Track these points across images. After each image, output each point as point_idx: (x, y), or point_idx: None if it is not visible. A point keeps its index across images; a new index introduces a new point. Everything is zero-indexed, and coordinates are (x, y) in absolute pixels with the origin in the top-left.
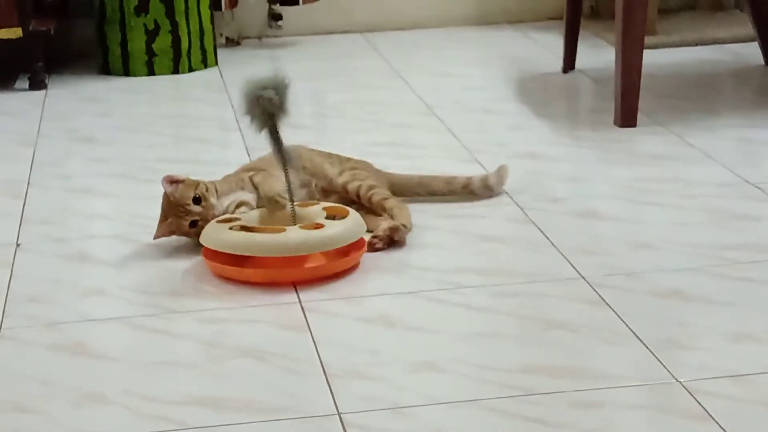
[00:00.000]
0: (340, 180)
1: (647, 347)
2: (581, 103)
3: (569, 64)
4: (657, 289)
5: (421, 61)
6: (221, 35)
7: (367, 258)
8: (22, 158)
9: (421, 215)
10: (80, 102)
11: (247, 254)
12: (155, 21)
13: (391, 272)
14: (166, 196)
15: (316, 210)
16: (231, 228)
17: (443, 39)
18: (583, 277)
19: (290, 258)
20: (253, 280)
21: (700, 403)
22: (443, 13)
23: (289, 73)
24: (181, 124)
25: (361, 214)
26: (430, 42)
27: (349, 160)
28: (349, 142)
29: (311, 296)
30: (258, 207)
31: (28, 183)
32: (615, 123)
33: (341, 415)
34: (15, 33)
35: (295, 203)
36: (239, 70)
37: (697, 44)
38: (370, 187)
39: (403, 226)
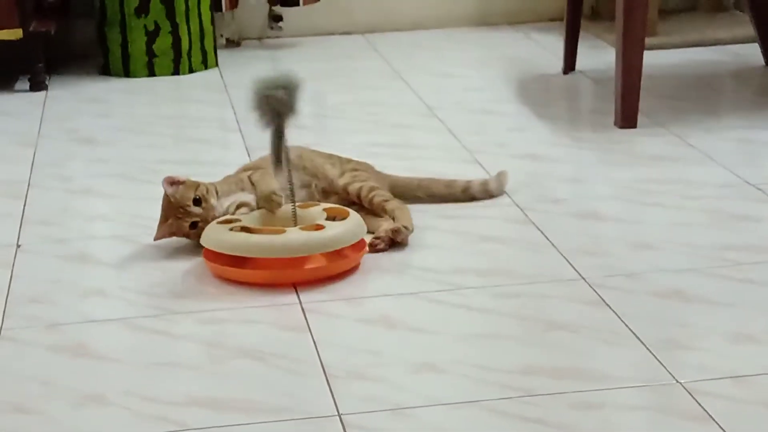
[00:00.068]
0: (341, 181)
1: (647, 348)
2: (581, 104)
3: (570, 65)
4: (657, 290)
5: (422, 61)
6: (222, 36)
7: (368, 259)
8: (22, 159)
9: (421, 216)
10: (81, 103)
11: (248, 255)
12: (155, 22)
13: (391, 273)
14: (166, 198)
15: (317, 211)
16: (231, 229)
17: (444, 40)
18: (583, 278)
19: (291, 259)
20: (254, 281)
21: (700, 404)
22: (444, 13)
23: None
24: (181, 125)
25: (361, 215)
26: (430, 43)
27: (349, 161)
28: (350, 142)
29: (311, 297)
30: (258, 208)
31: (29, 184)
32: (615, 124)
33: (341, 416)
34: (15, 34)
35: (296, 204)
36: (240, 71)
37: (697, 45)
38: (371, 189)
39: (405, 227)
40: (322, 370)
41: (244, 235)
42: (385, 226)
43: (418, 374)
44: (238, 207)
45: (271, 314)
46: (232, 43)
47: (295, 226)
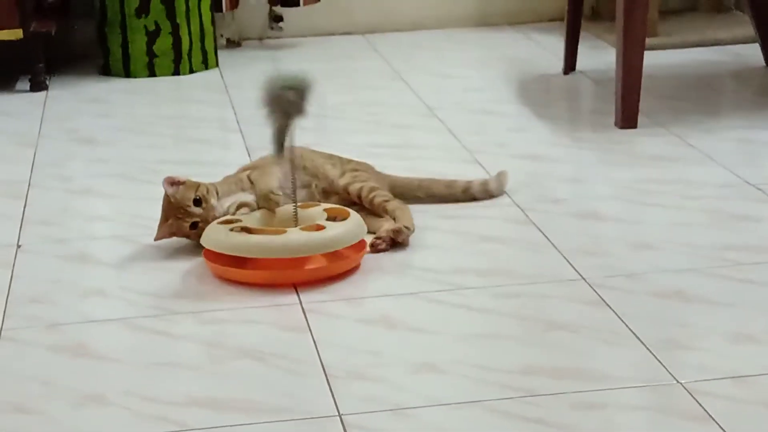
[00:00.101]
0: (342, 181)
1: (648, 348)
2: (582, 104)
3: (570, 65)
4: (657, 290)
5: (422, 62)
6: (222, 36)
7: (368, 259)
8: (22, 159)
9: (421, 216)
10: (81, 103)
11: (248, 256)
12: (156, 22)
13: (391, 273)
14: (166, 198)
15: (317, 211)
16: (232, 229)
17: (444, 40)
18: (583, 278)
19: (291, 259)
20: (254, 282)
21: (700, 404)
22: (444, 14)
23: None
24: (181, 125)
25: (362, 215)
26: (430, 43)
27: (350, 161)
28: (350, 143)
29: (312, 297)
30: (258, 207)
31: (29, 184)
32: (615, 124)
33: (342, 416)
34: (16, 34)
35: (297, 204)
36: (240, 71)
37: (697, 45)
38: (372, 189)
39: (406, 227)
40: (322, 370)
41: (244, 235)
42: (386, 226)
43: (419, 374)
44: (239, 207)
45: (271, 314)
46: (233, 44)
47: (296, 226)
